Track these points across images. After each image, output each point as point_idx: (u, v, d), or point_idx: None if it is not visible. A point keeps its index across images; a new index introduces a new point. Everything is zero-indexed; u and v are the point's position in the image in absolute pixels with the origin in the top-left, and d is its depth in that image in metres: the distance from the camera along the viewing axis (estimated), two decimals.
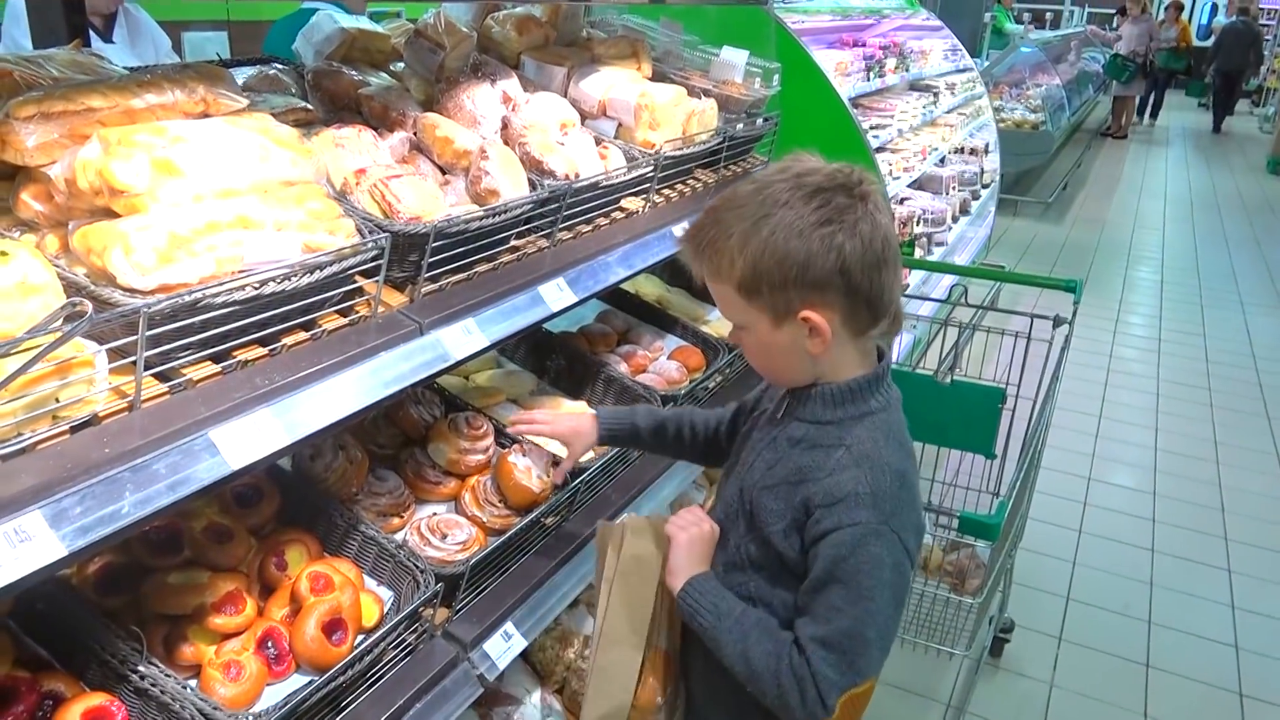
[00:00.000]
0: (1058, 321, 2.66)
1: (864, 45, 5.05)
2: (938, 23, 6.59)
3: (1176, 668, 3.03)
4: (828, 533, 1.19)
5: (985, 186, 6.42)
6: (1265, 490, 4.17)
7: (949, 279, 4.32)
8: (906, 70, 5.37)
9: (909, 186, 5.28)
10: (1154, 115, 15.36)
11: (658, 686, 1.38)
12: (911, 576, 1.25)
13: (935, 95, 5.80)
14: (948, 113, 6.02)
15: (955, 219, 5.68)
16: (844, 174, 1.21)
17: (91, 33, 3.49)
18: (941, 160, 5.86)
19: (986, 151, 6.59)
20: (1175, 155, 12.92)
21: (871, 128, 4.64)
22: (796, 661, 1.19)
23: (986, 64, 9.62)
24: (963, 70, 6.59)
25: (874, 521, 1.18)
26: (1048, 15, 17.26)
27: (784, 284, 1.18)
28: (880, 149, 4.77)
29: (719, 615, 1.27)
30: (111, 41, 3.74)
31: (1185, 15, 15.56)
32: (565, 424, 1.70)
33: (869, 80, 4.78)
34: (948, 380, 2.62)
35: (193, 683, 1.40)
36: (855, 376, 1.27)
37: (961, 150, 6.39)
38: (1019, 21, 13.87)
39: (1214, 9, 20.52)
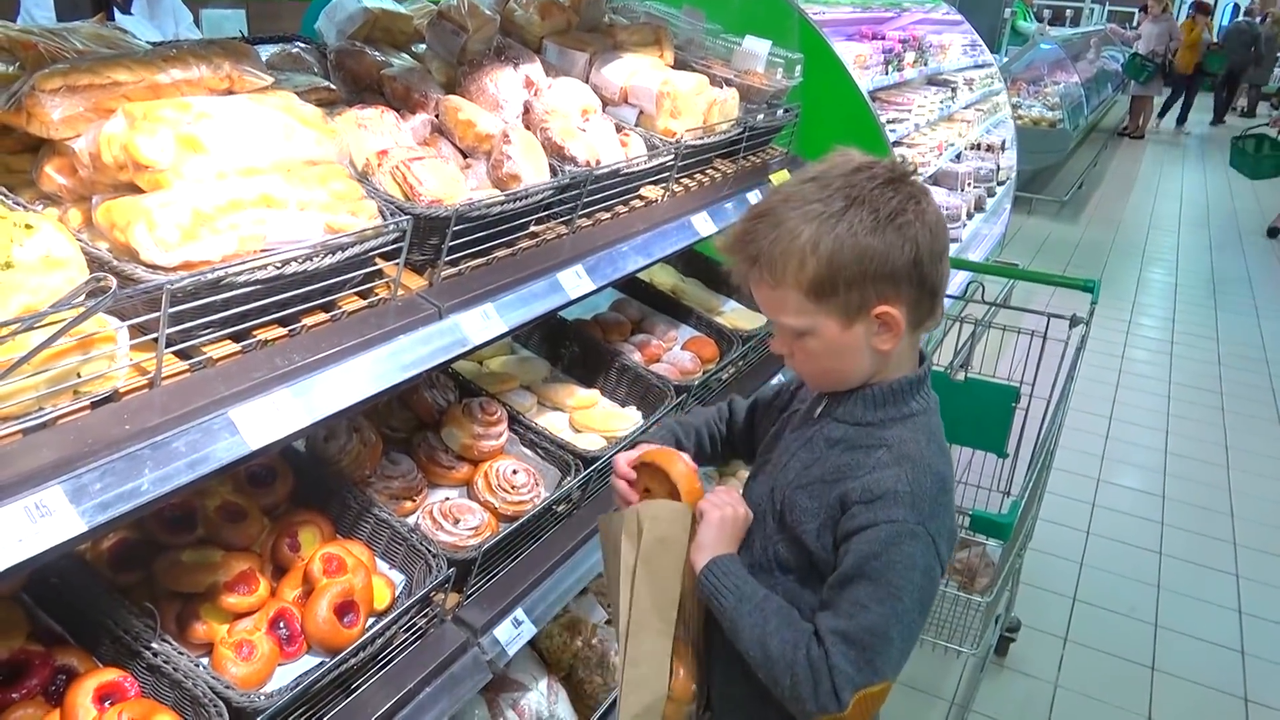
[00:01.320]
0: (1074, 321, 2.64)
1: (883, 38, 5.02)
2: (958, 17, 6.55)
3: (1181, 671, 3.02)
4: (862, 528, 1.17)
5: (1001, 183, 6.39)
6: (1275, 496, 4.15)
7: (963, 275, 4.29)
8: (925, 65, 5.34)
9: (924, 182, 5.24)
10: (1181, 121, 14.88)
11: (688, 677, 1.35)
12: (940, 583, 1.23)
13: (953, 90, 5.76)
14: (965, 108, 5.99)
15: (970, 215, 5.64)
16: (899, 166, 1.21)
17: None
18: (958, 156, 5.83)
19: (1003, 148, 6.55)
20: (1192, 157, 12.83)
21: (889, 121, 4.61)
22: (815, 653, 1.16)
23: (1005, 60, 9.55)
24: (981, 66, 6.55)
25: (910, 521, 1.16)
26: (1068, 12, 17.11)
27: (861, 280, 1.16)
28: (897, 143, 4.75)
29: (741, 597, 1.24)
30: (129, 13, 3.72)
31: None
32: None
33: (887, 74, 4.76)
34: (960, 377, 2.60)
35: (205, 661, 1.41)
36: (900, 377, 1.25)
37: (978, 146, 6.35)
38: (1038, 18, 13.76)
39: (1235, 10, 20.48)
